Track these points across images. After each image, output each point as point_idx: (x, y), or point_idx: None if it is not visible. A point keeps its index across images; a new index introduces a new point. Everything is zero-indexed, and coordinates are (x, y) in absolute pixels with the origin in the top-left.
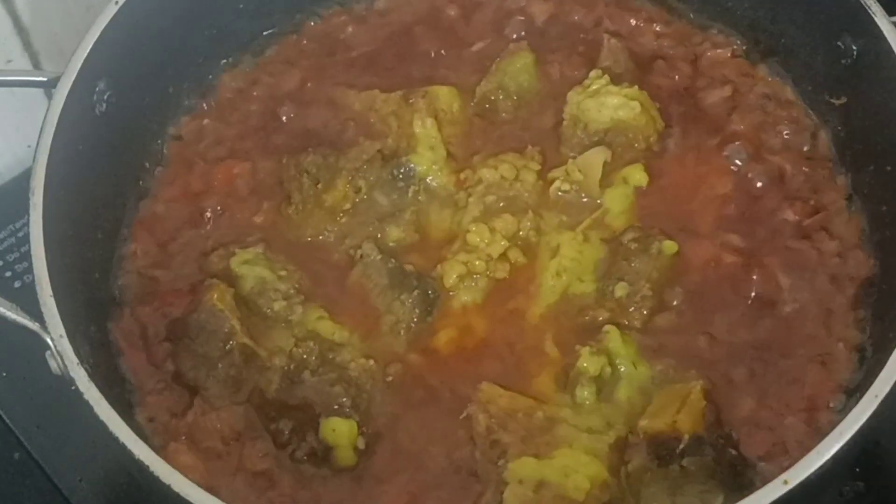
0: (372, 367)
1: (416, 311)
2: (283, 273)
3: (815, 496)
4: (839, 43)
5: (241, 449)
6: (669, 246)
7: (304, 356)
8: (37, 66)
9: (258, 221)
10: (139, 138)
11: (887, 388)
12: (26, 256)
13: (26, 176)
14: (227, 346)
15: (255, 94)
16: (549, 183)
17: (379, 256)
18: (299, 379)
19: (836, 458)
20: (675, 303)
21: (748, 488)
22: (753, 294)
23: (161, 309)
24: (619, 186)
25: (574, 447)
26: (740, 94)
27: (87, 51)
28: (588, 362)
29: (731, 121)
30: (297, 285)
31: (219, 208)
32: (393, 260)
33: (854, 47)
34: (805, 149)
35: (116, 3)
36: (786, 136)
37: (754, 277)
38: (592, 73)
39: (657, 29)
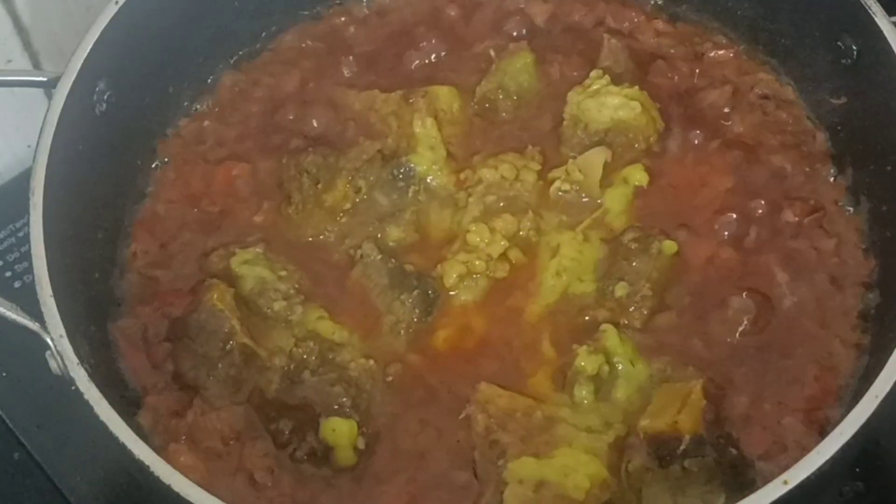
0: (372, 367)
1: (416, 310)
2: (283, 273)
3: (815, 496)
4: (839, 43)
5: (241, 449)
6: (669, 246)
7: (304, 356)
8: (37, 66)
9: (258, 221)
10: (139, 138)
11: (887, 388)
12: (26, 256)
13: (26, 176)
14: (227, 346)
15: (255, 94)
16: (549, 183)
17: (379, 256)
18: (299, 379)
19: (836, 458)
20: (674, 302)
21: (749, 487)
22: (753, 293)
23: (161, 309)
24: (620, 186)
25: (573, 446)
26: (740, 94)
27: (87, 51)
28: (585, 361)
29: (731, 121)
30: (297, 285)
31: (219, 208)
32: (393, 260)
33: (854, 47)
34: (805, 149)
35: (116, 3)
36: (786, 136)
37: (754, 277)
38: (593, 73)
39: (657, 29)
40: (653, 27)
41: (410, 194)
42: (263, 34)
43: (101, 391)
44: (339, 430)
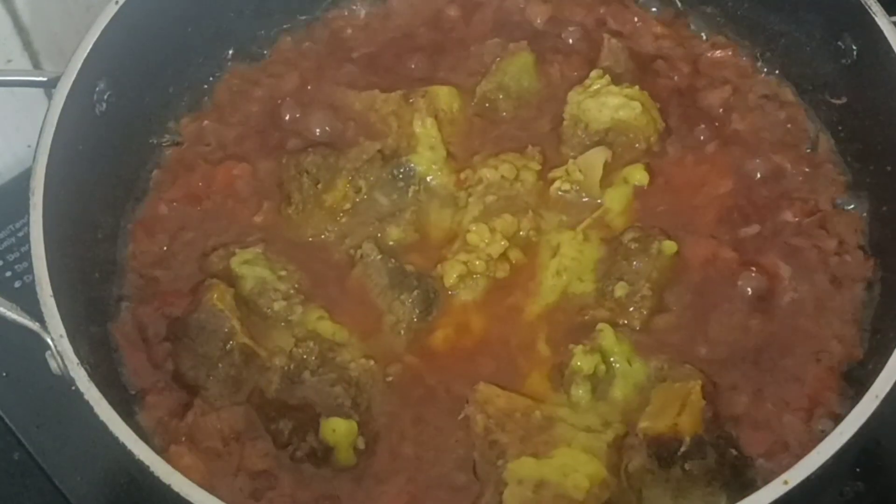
0: (372, 368)
1: (417, 310)
2: (283, 273)
3: (815, 496)
4: (839, 43)
5: (242, 449)
6: (669, 246)
7: (304, 356)
8: (37, 66)
9: (258, 221)
10: (139, 138)
11: (887, 388)
12: (26, 256)
13: (26, 176)
14: (227, 346)
15: (255, 94)
16: (549, 183)
17: (379, 256)
18: (299, 379)
19: (836, 458)
20: (674, 303)
21: (750, 486)
22: (753, 293)
23: (161, 309)
24: (620, 186)
25: (572, 446)
26: (740, 94)
27: (87, 51)
28: (582, 361)
29: (731, 121)
30: (297, 285)
31: (219, 209)
32: (393, 260)
33: (854, 47)
34: (805, 149)
35: (116, 3)
36: (786, 136)
37: (754, 277)
38: (593, 73)
39: (657, 29)
40: (653, 27)
41: (410, 194)
42: (263, 34)
43: (101, 391)
44: (339, 430)
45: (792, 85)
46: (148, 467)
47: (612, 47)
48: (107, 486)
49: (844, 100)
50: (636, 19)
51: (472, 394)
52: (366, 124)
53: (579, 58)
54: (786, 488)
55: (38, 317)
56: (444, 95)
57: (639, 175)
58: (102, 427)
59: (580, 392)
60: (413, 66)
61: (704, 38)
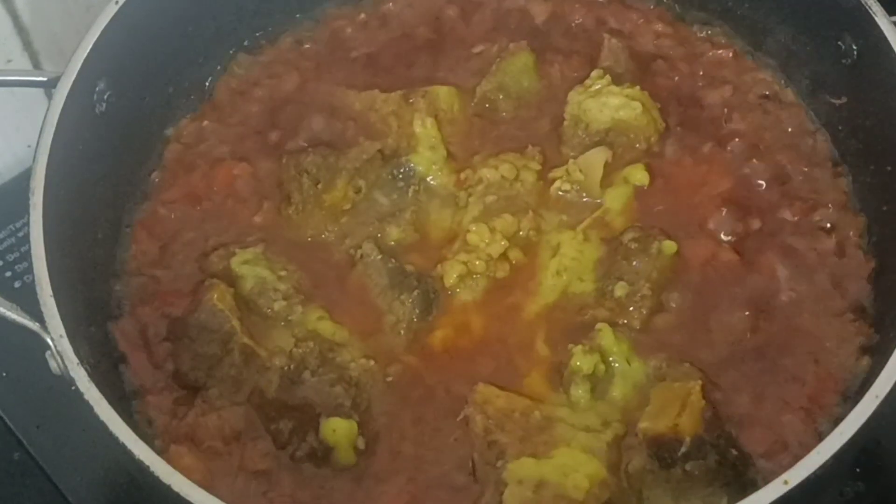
0: (372, 368)
1: (417, 310)
2: (283, 273)
3: (815, 496)
4: (839, 43)
5: (242, 449)
6: (669, 246)
7: (304, 356)
8: (37, 66)
9: (258, 221)
10: (139, 138)
11: (887, 388)
12: (26, 256)
13: (26, 176)
14: (228, 346)
15: (255, 94)
16: (549, 183)
17: (379, 256)
18: (299, 379)
19: (836, 458)
20: (674, 302)
21: (750, 486)
22: (753, 293)
23: (161, 309)
24: (620, 186)
25: (572, 446)
26: (740, 94)
27: (87, 51)
28: (581, 361)
29: (731, 121)
30: (297, 285)
31: (219, 209)
32: (393, 260)
33: (854, 47)
34: (805, 149)
35: (116, 3)
36: (786, 137)
37: (754, 276)
38: (594, 73)
39: (657, 29)
40: (653, 27)
41: (410, 194)
42: (263, 34)
43: (101, 391)
44: (339, 430)
45: (792, 85)
46: (148, 467)
47: (613, 47)
48: (107, 486)
49: (844, 100)
50: (636, 19)
51: (471, 394)
52: (366, 124)
53: (579, 58)
54: (786, 488)
55: (38, 317)
56: (444, 95)
57: (639, 175)
58: (102, 427)
59: (579, 392)
60: (413, 66)
61: (704, 38)
